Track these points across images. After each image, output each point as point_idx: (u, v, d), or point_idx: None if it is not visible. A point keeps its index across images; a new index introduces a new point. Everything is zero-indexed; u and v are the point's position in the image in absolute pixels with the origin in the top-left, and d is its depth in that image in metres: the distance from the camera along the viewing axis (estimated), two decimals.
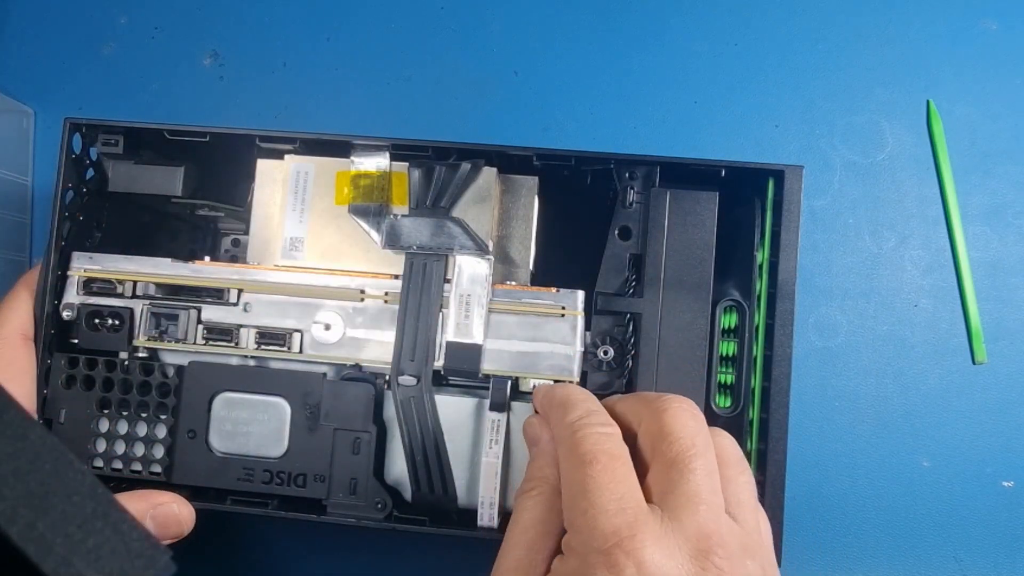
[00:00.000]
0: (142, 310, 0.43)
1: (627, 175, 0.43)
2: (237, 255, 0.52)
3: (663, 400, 0.35)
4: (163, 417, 0.43)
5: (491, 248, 0.43)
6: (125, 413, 0.43)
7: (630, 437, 0.35)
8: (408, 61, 0.57)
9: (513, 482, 0.42)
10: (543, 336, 0.42)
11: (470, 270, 0.42)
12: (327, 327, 0.42)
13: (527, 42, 0.57)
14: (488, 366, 0.42)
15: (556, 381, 0.42)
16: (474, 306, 0.42)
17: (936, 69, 0.56)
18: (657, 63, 0.57)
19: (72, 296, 0.43)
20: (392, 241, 0.43)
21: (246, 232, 0.50)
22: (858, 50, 0.56)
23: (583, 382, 0.42)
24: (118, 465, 0.42)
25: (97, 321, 0.43)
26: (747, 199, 0.43)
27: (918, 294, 0.54)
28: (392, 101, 0.57)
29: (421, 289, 0.42)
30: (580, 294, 0.42)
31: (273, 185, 0.45)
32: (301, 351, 0.43)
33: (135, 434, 0.43)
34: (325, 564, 0.53)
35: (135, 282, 0.43)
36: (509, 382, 0.42)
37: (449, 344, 0.42)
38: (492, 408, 0.41)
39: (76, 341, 0.43)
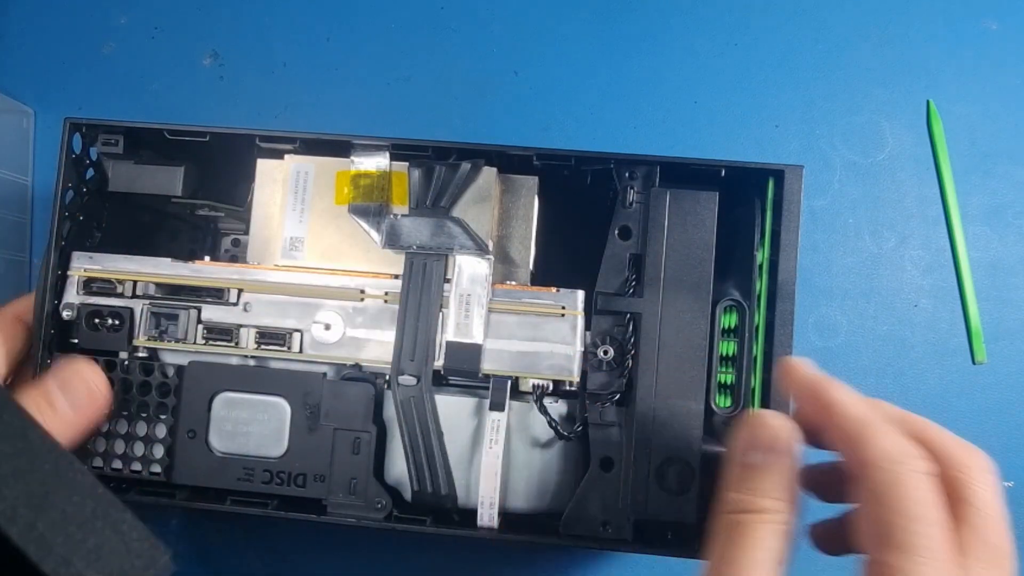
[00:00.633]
0: (142, 310, 0.43)
1: (627, 175, 0.43)
2: (237, 255, 0.52)
3: (982, 460, 0.32)
4: (163, 417, 0.43)
5: (491, 248, 0.43)
6: (125, 413, 0.43)
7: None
8: (408, 61, 0.57)
9: (513, 482, 0.42)
10: (543, 336, 0.42)
11: (470, 270, 0.42)
12: (327, 327, 0.42)
13: (527, 42, 0.57)
14: (488, 366, 0.42)
15: (556, 381, 0.42)
16: (474, 306, 0.42)
17: (936, 69, 0.56)
18: (657, 63, 0.57)
19: (72, 296, 0.43)
20: (392, 241, 0.42)
21: (246, 232, 0.50)
22: (858, 50, 0.57)
23: (583, 382, 0.42)
24: (118, 465, 0.42)
25: (97, 321, 0.43)
26: (747, 199, 0.43)
27: (918, 294, 0.54)
28: (392, 101, 0.57)
29: (421, 289, 0.42)
30: (580, 294, 0.42)
31: (273, 185, 0.45)
32: (301, 351, 0.43)
33: (135, 434, 0.43)
34: (325, 564, 0.53)
35: (135, 282, 0.43)
36: (509, 382, 0.42)
37: (449, 344, 0.42)
38: (492, 408, 0.41)
39: (76, 341, 0.43)
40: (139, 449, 0.43)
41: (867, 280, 0.55)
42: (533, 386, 0.42)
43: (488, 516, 0.41)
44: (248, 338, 0.43)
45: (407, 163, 0.43)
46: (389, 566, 0.53)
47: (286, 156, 0.45)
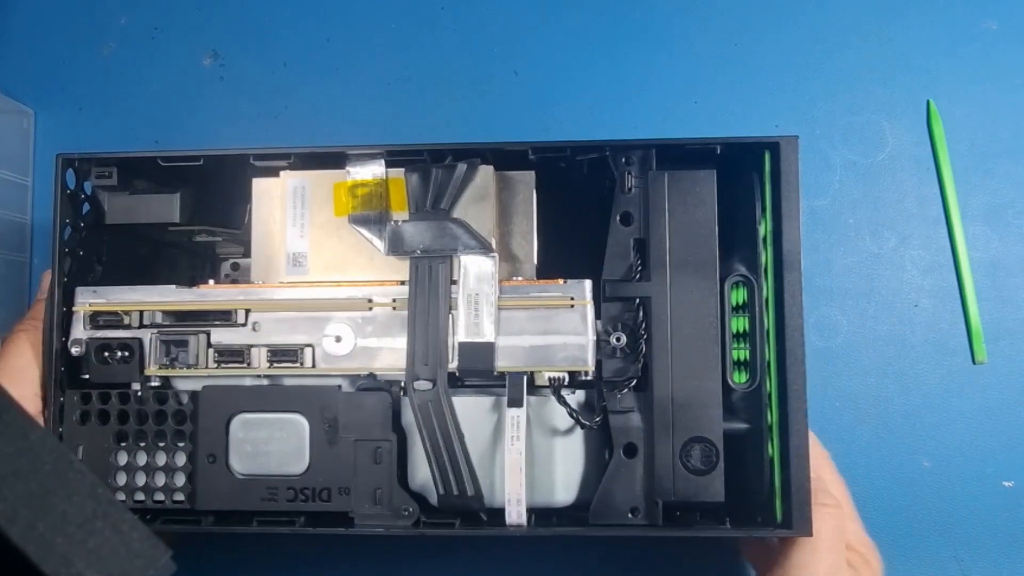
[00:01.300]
0: (151, 339, 0.43)
1: (623, 160, 0.43)
2: (237, 279, 0.52)
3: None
4: (181, 444, 0.42)
5: (494, 245, 0.43)
6: (143, 444, 0.42)
7: None
8: (408, 61, 0.57)
9: (537, 477, 0.42)
10: (554, 328, 0.42)
11: (476, 269, 0.42)
12: (338, 339, 0.42)
13: (527, 42, 0.57)
14: (502, 363, 0.42)
15: (571, 372, 0.42)
16: (483, 305, 0.42)
17: (936, 69, 0.56)
18: (657, 63, 0.57)
19: (79, 331, 0.43)
20: (395, 247, 0.42)
21: (245, 255, 0.50)
22: (858, 50, 0.56)
23: (598, 370, 0.42)
24: (140, 497, 0.42)
25: (106, 354, 0.43)
26: (744, 175, 0.43)
27: (918, 294, 0.55)
28: (392, 101, 0.57)
29: (428, 292, 0.42)
30: (587, 283, 0.42)
31: (271, 203, 0.45)
32: (314, 365, 0.42)
33: (154, 464, 0.42)
34: None
35: (141, 312, 0.43)
36: (525, 377, 0.41)
37: (461, 345, 0.42)
38: (510, 404, 0.41)
39: (87, 376, 0.43)
40: (160, 479, 0.42)
41: (867, 280, 0.55)
42: (549, 379, 0.42)
43: (516, 513, 0.41)
44: (260, 357, 0.43)
45: (403, 169, 0.43)
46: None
47: (281, 173, 0.45)
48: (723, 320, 0.42)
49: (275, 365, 0.42)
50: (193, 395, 0.42)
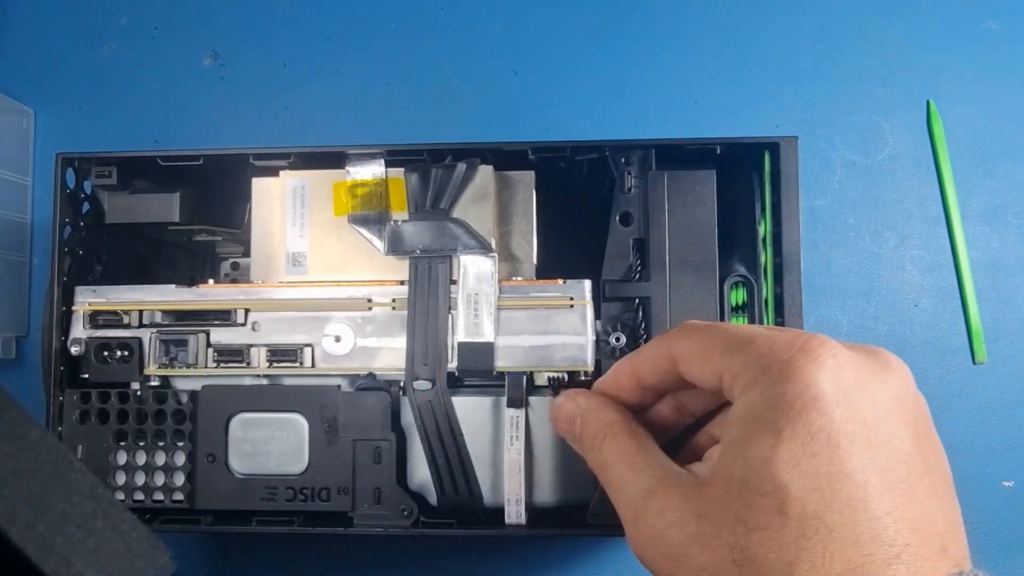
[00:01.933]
0: (150, 339, 0.43)
1: (623, 160, 0.43)
2: (237, 278, 0.52)
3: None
4: (181, 444, 0.42)
5: (494, 245, 0.43)
6: (142, 443, 0.42)
7: None
8: (408, 61, 0.57)
9: (537, 477, 0.42)
10: (554, 328, 0.42)
11: (475, 269, 0.42)
12: (337, 339, 0.42)
13: (527, 42, 0.57)
14: (501, 363, 0.42)
15: (571, 373, 0.42)
16: (482, 304, 0.42)
17: (936, 69, 0.56)
18: (657, 63, 0.57)
19: (79, 331, 0.43)
20: (395, 247, 0.42)
21: (245, 254, 0.50)
22: (858, 50, 0.56)
23: (597, 370, 0.42)
24: (140, 496, 0.42)
25: (106, 354, 0.43)
26: (744, 175, 0.43)
27: (918, 294, 0.55)
28: (392, 101, 0.57)
29: (428, 292, 0.42)
30: (587, 283, 0.42)
31: (271, 203, 0.45)
32: (313, 365, 0.42)
33: (154, 463, 0.42)
34: None
35: (141, 311, 0.43)
36: (524, 377, 0.41)
37: (461, 345, 0.42)
38: (510, 405, 0.41)
39: (87, 376, 0.43)
40: (159, 479, 0.42)
41: (867, 280, 0.55)
42: (548, 379, 0.42)
43: (515, 513, 0.41)
44: (259, 357, 0.43)
45: (403, 168, 0.43)
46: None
47: (281, 172, 0.45)
48: (722, 320, 0.42)
49: (275, 365, 0.42)
50: (192, 395, 0.42)
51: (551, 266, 0.45)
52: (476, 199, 0.43)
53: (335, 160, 0.44)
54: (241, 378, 0.43)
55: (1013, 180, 0.55)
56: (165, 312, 0.43)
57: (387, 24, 0.58)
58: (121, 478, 0.42)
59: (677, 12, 0.57)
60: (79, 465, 0.25)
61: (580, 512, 0.41)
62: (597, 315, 0.42)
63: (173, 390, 0.43)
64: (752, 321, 0.42)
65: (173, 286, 0.43)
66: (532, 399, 0.42)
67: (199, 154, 0.44)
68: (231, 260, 0.53)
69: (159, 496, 0.42)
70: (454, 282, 0.42)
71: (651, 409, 0.35)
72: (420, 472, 0.42)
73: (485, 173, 0.43)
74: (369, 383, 0.42)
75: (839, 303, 0.54)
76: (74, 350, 0.43)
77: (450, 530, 0.41)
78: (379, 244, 0.43)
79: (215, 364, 0.43)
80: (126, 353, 0.43)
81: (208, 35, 0.58)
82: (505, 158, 0.44)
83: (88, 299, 0.43)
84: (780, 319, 0.41)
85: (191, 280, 0.45)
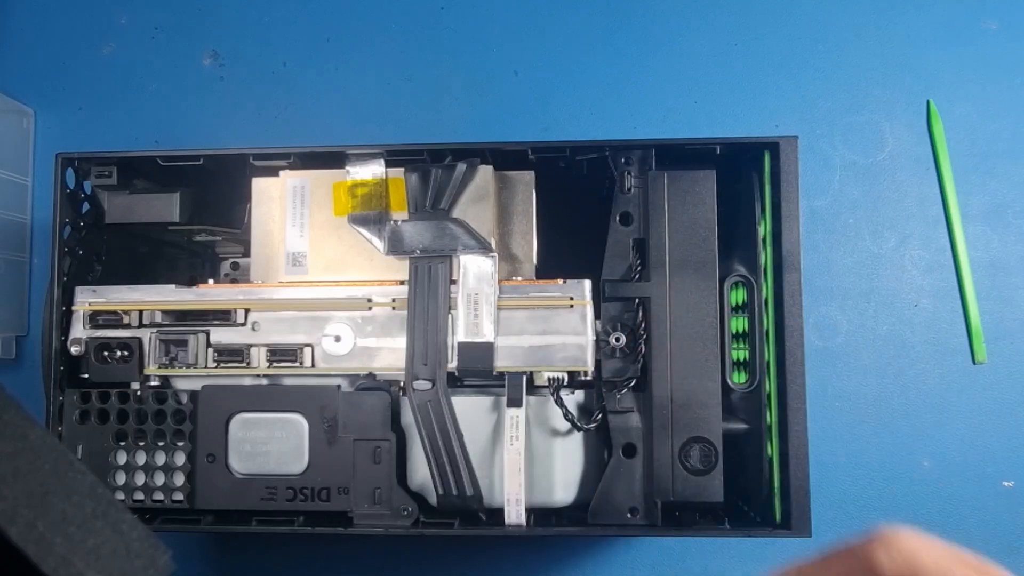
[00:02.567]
0: (150, 339, 0.43)
1: (623, 160, 0.43)
2: (237, 278, 0.52)
3: None
4: (180, 444, 0.42)
5: (493, 245, 0.42)
6: (142, 443, 0.42)
7: None
8: (408, 61, 0.58)
9: (537, 477, 0.42)
10: (554, 328, 0.42)
11: (475, 269, 0.42)
12: (337, 339, 0.42)
13: (527, 42, 0.57)
14: (501, 363, 0.42)
15: (571, 372, 0.42)
16: (482, 304, 0.42)
17: (936, 69, 0.56)
18: (657, 63, 0.57)
19: (79, 331, 0.43)
20: (395, 247, 0.42)
21: (244, 254, 0.50)
22: (858, 50, 0.56)
23: (597, 370, 0.42)
24: (140, 496, 0.42)
25: (106, 354, 0.43)
26: (744, 175, 0.43)
27: (918, 294, 0.55)
28: (392, 101, 0.57)
29: (428, 292, 0.42)
30: (587, 283, 0.42)
31: (270, 203, 0.45)
32: (313, 365, 0.42)
33: (154, 463, 0.42)
34: None
35: (141, 312, 0.43)
36: (524, 377, 0.41)
37: (461, 345, 0.42)
38: (510, 404, 0.41)
39: (87, 376, 0.43)
40: (159, 479, 0.42)
41: (867, 280, 0.55)
42: (548, 379, 0.42)
43: (515, 513, 0.41)
44: (259, 357, 0.43)
45: (403, 168, 0.43)
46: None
47: (281, 172, 0.45)
48: (722, 320, 0.42)
49: (274, 365, 0.42)
50: (192, 395, 0.42)
51: (551, 266, 0.45)
52: (476, 199, 0.43)
53: (335, 160, 0.44)
54: (241, 378, 0.43)
55: (1013, 180, 0.55)
56: (165, 312, 0.43)
57: (387, 24, 0.58)
58: (121, 478, 0.42)
59: (677, 12, 0.57)
60: (79, 465, 0.25)
61: (580, 512, 0.42)
62: (597, 315, 0.42)
63: (173, 390, 0.43)
64: (752, 321, 0.42)
65: (173, 286, 0.43)
66: (532, 399, 0.42)
67: (199, 154, 0.43)
68: (231, 260, 0.53)
69: (159, 496, 0.42)
70: (454, 282, 0.42)
71: None
72: (420, 472, 0.42)
73: (485, 173, 0.43)
74: (369, 383, 0.42)
75: (839, 303, 0.54)
76: (74, 350, 0.43)
77: (450, 530, 0.41)
78: (379, 244, 0.43)
79: (215, 364, 0.43)
80: (126, 353, 0.43)
81: (208, 35, 0.59)
82: (505, 158, 0.44)
83: (88, 299, 0.43)
84: (780, 319, 0.41)
85: (191, 280, 0.45)
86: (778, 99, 0.56)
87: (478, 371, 0.42)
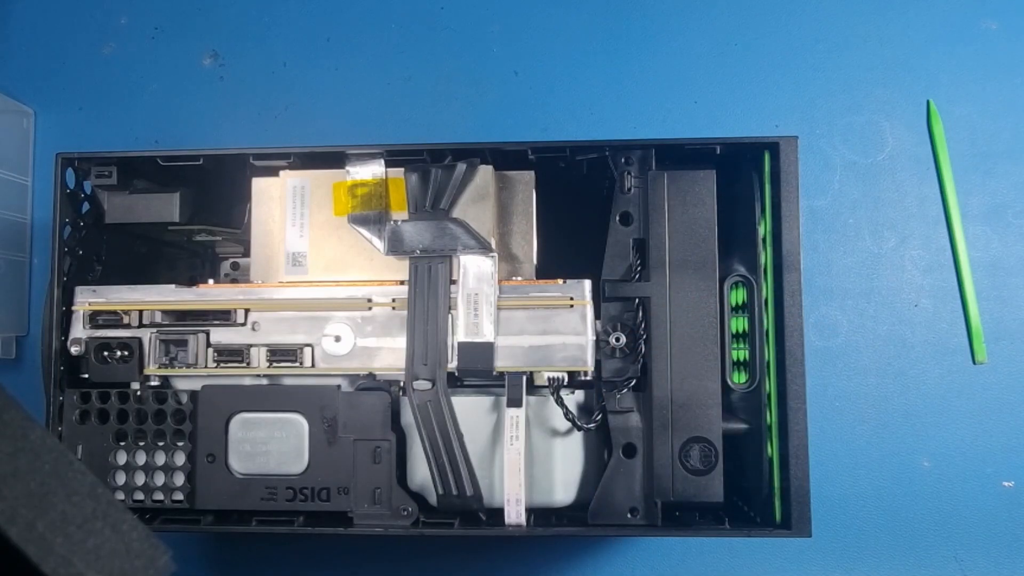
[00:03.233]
0: (150, 339, 0.43)
1: (623, 160, 0.43)
2: (237, 278, 0.52)
3: None
4: (180, 444, 0.42)
5: (493, 245, 0.43)
6: (142, 443, 0.42)
7: None
8: (408, 61, 0.58)
9: (537, 477, 0.42)
10: (554, 328, 0.42)
11: (475, 269, 0.42)
12: (337, 339, 0.42)
13: (527, 42, 0.57)
14: (501, 363, 0.42)
15: (571, 372, 0.42)
16: (482, 304, 0.42)
17: (936, 69, 0.56)
18: (657, 63, 0.57)
19: (79, 331, 0.43)
20: (395, 247, 0.42)
21: (244, 254, 0.50)
22: (858, 50, 0.56)
23: (597, 370, 0.42)
24: (140, 496, 0.42)
25: (106, 354, 0.43)
26: (744, 175, 0.43)
27: (918, 294, 0.55)
28: (392, 101, 0.57)
29: (428, 292, 0.42)
30: (587, 283, 0.42)
31: (270, 203, 0.45)
32: (313, 365, 0.42)
33: (154, 463, 0.42)
34: None
35: (141, 312, 0.43)
36: (524, 377, 0.41)
37: (461, 345, 0.42)
38: (510, 404, 0.41)
39: (87, 376, 0.43)
40: (159, 479, 0.42)
41: (867, 280, 0.55)
42: (548, 379, 0.42)
43: (515, 513, 0.41)
44: (259, 357, 0.43)
45: (403, 168, 0.43)
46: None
47: (281, 172, 0.45)
48: (722, 320, 0.42)
49: (274, 365, 0.42)
50: (192, 395, 0.42)
51: (551, 266, 0.45)
52: (476, 199, 0.43)
53: (335, 160, 0.44)
54: (241, 378, 0.43)
55: (1013, 180, 0.55)
56: (165, 312, 0.43)
57: (387, 24, 0.58)
58: (121, 478, 0.42)
59: (677, 12, 0.57)
60: (79, 465, 0.25)
61: (580, 512, 0.42)
62: (597, 315, 0.42)
63: (173, 390, 0.43)
64: (752, 321, 0.42)
65: (173, 286, 0.43)
66: (532, 399, 0.42)
67: (199, 154, 0.44)
68: (231, 260, 0.53)
69: (159, 496, 0.42)
70: (454, 282, 0.42)
71: None
72: (420, 472, 0.42)
73: (485, 173, 0.43)
74: (369, 383, 0.42)
75: (839, 303, 0.54)
76: (74, 350, 0.43)
77: (450, 530, 0.41)
78: (379, 244, 0.43)
79: (215, 364, 0.43)
80: (126, 353, 0.43)
81: (208, 35, 0.59)
82: (505, 158, 0.44)
83: (88, 299, 0.43)
84: (780, 319, 0.41)
85: (191, 280, 0.45)
86: (778, 99, 0.56)
87: (478, 371, 0.42)
